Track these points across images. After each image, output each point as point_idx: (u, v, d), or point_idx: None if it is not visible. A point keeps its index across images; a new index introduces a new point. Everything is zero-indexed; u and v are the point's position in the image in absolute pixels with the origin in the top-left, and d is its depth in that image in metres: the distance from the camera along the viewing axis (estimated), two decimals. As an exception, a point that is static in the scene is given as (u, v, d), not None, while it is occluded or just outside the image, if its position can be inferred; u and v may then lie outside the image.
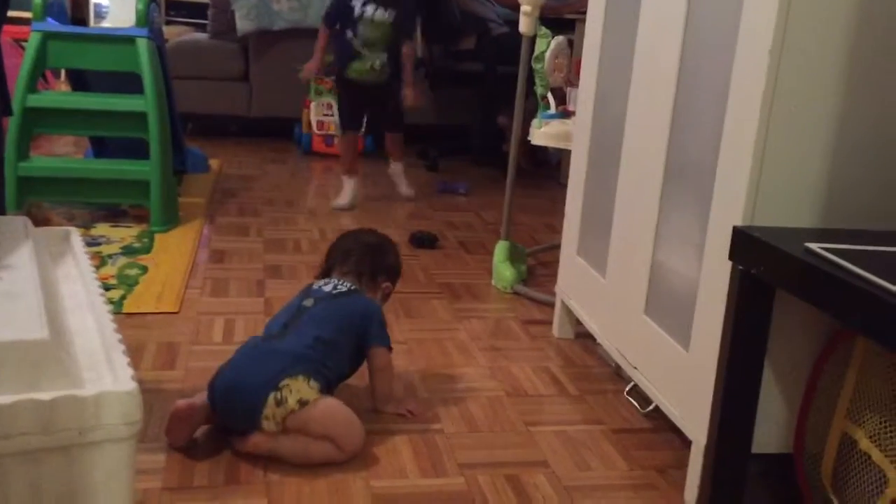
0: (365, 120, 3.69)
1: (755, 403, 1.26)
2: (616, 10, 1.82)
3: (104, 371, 0.93)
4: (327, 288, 1.61)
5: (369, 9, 3.18)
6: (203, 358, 1.81)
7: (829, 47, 1.21)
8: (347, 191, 3.31)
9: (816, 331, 1.31)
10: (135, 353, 1.82)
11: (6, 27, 1.54)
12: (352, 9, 3.19)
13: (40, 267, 1.09)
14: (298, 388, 1.41)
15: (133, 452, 0.91)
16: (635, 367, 1.64)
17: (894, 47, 1.23)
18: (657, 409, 1.60)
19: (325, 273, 1.71)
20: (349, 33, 3.20)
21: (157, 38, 2.87)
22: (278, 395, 1.39)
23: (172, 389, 1.66)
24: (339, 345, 1.53)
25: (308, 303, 1.57)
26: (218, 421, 1.49)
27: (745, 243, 1.20)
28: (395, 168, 3.50)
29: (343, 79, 3.29)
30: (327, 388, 1.48)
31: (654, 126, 1.58)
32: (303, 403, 1.40)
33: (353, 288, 1.63)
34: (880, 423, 1.15)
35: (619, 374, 1.87)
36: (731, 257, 1.23)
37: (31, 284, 1.02)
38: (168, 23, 6.09)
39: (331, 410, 1.44)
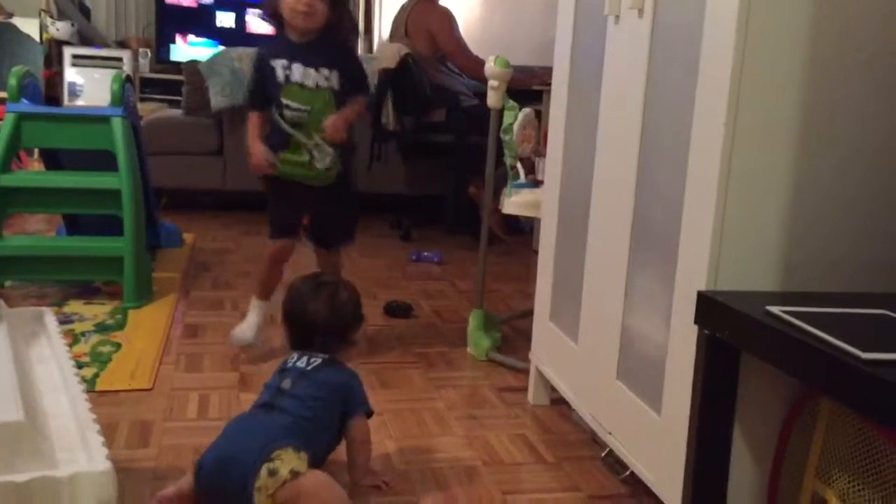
0: (301, 223, 2.48)
1: (727, 466, 1.28)
2: (580, 82, 1.88)
3: (79, 451, 0.93)
4: (301, 364, 1.61)
5: (296, 71, 2.18)
6: (177, 435, 1.80)
7: (781, 119, 1.26)
8: (252, 320, 2.32)
9: (784, 391, 1.34)
10: (108, 432, 1.80)
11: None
12: (274, 72, 2.20)
13: (14, 349, 1.10)
14: (290, 459, 1.41)
15: (107, 533, 0.90)
16: (610, 433, 1.65)
17: (845, 117, 1.29)
18: (633, 474, 1.60)
19: (296, 342, 1.68)
20: (275, 110, 2.22)
21: (131, 115, 2.91)
22: (271, 466, 1.39)
23: (146, 468, 1.64)
24: (324, 420, 1.55)
25: (286, 384, 1.57)
26: None
27: (709, 307, 1.23)
28: None
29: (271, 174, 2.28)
30: (315, 463, 1.48)
31: (619, 193, 1.62)
32: (295, 473, 1.40)
33: (327, 358, 1.63)
34: (849, 482, 1.17)
35: (595, 440, 1.88)
36: (696, 321, 1.26)
37: (6, 367, 1.02)
38: (143, 100, 6.18)
39: (323, 485, 1.43)
